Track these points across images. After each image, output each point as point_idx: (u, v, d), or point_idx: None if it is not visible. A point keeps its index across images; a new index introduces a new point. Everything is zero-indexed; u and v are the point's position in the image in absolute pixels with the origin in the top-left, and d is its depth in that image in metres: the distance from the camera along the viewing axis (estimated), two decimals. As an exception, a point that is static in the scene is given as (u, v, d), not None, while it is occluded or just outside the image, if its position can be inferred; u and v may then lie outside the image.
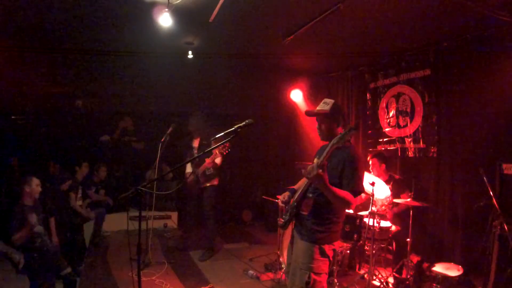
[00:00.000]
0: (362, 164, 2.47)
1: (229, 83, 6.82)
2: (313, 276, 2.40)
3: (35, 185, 3.87)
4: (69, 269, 3.83)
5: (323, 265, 2.45)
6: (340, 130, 2.52)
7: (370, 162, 4.56)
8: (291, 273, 2.59)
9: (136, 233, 2.22)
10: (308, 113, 2.66)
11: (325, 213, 2.46)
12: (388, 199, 4.33)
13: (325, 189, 2.28)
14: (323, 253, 2.44)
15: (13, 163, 6.00)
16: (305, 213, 2.51)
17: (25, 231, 3.61)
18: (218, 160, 4.94)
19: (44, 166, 5.86)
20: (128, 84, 6.62)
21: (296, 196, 2.61)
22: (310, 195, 2.51)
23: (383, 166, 4.48)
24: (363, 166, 2.48)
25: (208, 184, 5.09)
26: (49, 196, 4.51)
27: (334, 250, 2.53)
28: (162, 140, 4.86)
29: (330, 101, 2.58)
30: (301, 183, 2.75)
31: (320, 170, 2.20)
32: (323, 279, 2.46)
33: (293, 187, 2.81)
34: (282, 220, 2.70)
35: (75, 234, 5.15)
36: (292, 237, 2.69)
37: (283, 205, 2.71)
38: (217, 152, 4.69)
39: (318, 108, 2.60)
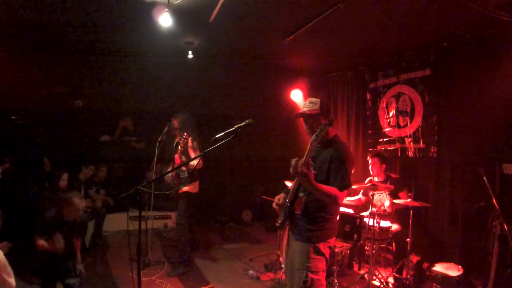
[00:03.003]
0: (350, 159, 2.48)
1: (229, 83, 6.82)
2: (310, 275, 2.41)
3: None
4: (75, 280, 3.77)
5: (319, 264, 2.45)
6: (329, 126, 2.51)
7: (370, 162, 4.56)
8: (289, 274, 2.59)
9: (136, 233, 2.22)
10: (298, 116, 2.61)
11: (317, 212, 2.47)
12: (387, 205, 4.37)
13: (310, 186, 2.30)
14: (318, 252, 2.45)
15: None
16: (298, 212, 2.52)
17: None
18: (194, 162, 4.24)
19: (40, 164, 5.81)
20: (128, 84, 6.61)
21: (289, 196, 2.61)
22: (301, 194, 2.51)
23: (384, 166, 4.48)
24: (351, 161, 2.49)
25: (183, 189, 4.53)
26: (51, 195, 4.51)
27: (330, 247, 2.53)
28: (159, 139, 4.79)
29: (316, 100, 2.57)
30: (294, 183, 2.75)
31: (304, 168, 2.21)
32: (321, 277, 2.46)
33: (289, 187, 2.80)
34: (279, 222, 2.67)
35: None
36: (288, 237, 2.69)
37: (277, 207, 2.69)
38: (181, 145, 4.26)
39: (306, 109, 2.58)
